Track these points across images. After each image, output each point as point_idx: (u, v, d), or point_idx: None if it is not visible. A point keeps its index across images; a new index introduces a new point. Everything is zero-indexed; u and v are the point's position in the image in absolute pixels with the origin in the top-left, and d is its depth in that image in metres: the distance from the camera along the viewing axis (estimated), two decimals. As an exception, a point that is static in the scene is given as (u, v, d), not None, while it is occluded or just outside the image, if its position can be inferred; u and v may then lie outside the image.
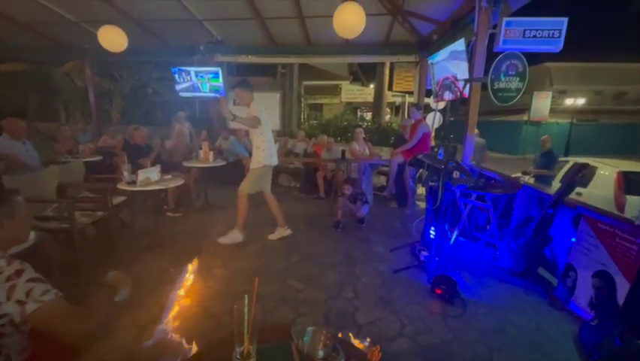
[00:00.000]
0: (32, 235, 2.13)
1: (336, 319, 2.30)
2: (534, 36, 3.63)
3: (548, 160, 6.05)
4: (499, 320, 2.32)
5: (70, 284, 2.58)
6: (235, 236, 3.50)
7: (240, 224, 3.51)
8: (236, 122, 3.28)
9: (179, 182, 3.57)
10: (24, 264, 1.06)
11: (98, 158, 5.18)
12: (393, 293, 2.64)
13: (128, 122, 8.00)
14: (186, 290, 2.55)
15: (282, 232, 3.69)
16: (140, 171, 3.24)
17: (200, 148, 4.72)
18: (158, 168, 3.49)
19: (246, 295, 0.91)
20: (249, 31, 6.15)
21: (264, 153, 3.43)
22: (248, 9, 5.27)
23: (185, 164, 4.66)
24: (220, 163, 4.70)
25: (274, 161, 3.54)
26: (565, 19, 3.60)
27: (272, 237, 3.66)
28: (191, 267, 2.76)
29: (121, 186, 3.28)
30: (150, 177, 3.29)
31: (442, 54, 4.90)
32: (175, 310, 2.26)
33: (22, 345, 1.13)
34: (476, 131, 5.60)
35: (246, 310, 0.91)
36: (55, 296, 1.03)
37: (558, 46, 3.64)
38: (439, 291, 2.55)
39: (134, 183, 3.22)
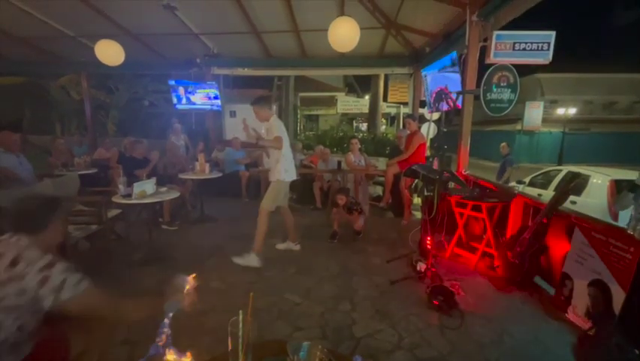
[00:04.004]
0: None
1: (333, 332, 2.27)
2: (524, 49, 3.74)
3: (505, 164, 7.52)
4: (496, 332, 2.31)
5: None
6: (251, 260, 3.23)
7: (258, 247, 3.26)
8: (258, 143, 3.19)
9: (175, 194, 3.55)
10: (55, 257, 1.16)
11: (93, 170, 5.16)
12: (390, 305, 2.62)
13: (124, 135, 8.00)
14: (181, 305, 2.51)
15: (292, 246, 3.69)
16: (135, 184, 3.22)
17: (197, 160, 4.72)
18: (153, 180, 3.48)
19: (240, 311, 0.90)
20: (245, 45, 6.24)
21: (279, 166, 3.30)
22: (244, 23, 5.36)
23: (181, 176, 4.65)
24: (216, 175, 4.70)
25: (288, 176, 3.36)
26: (553, 33, 3.71)
27: (279, 246, 3.70)
28: (186, 280, 2.72)
29: (116, 199, 3.26)
30: (146, 189, 3.28)
31: (435, 66, 4.99)
32: (169, 325, 2.22)
33: (28, 333, 1.18)
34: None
35: (240, 326, 0.90)
36: (88, 285, 1.18)
37: (547, 58, 3.75)
38: (436, 302, 2.54)
39: (129, 196, 3.20)
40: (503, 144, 7.84)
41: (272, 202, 3.32)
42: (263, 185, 5.45)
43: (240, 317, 0.90)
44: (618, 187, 4.66)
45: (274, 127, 3.25)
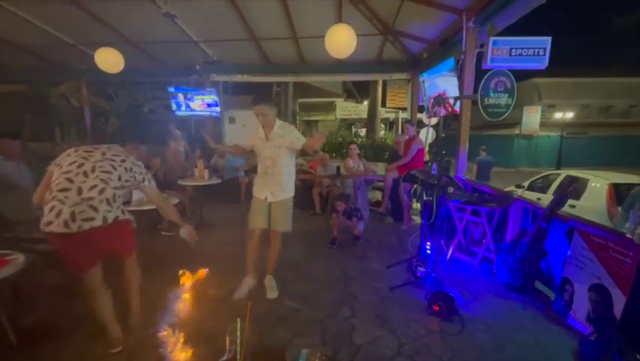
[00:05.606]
0: (22, 258, 2.11)
1: (333, 339, 2.25)
2: (520, 54, 3.77)
3: (485, 166, 8.31)
4: (497, 337, 2.29)
5: (63, 306, 2.51)
6: (274, 282, 2.90)
7: (273, 269, 2.93)
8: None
9: (174, 201, 3.55)
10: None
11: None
12: (390, 311, 2.61)
13: (124, 141, 8.02)
14: (179, 312, 2.49)
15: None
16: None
17: (196, 166, 4.72)
18: (152, 187, 3.47)
19: (238, 320, 0.90)
20: (244, 52, 6.29)
21: (292, 180, 2.86)
22: (243, 30, 5.41)
23: (181, 182, 4.65)
24: (215, 181, 4.70)
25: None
26: (549, 39, 3.75)
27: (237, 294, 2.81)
28: (185, 287, 2.71)
29: (115, 205, 3.25)
30: (145, 196, 3.27)
31: (433, 72, 5.03)
32: (168, 332, 2.20)
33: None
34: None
35: (238, 334, 0.89)
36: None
37: (543, 63, 3.78)
38: (436, 308, 2.52)
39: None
40: (482, 147, 8.27)
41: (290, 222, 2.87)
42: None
43: (238, 324, 0.90)
44: (617, 191, 4.66)
45: (294, 131, 2.79)
